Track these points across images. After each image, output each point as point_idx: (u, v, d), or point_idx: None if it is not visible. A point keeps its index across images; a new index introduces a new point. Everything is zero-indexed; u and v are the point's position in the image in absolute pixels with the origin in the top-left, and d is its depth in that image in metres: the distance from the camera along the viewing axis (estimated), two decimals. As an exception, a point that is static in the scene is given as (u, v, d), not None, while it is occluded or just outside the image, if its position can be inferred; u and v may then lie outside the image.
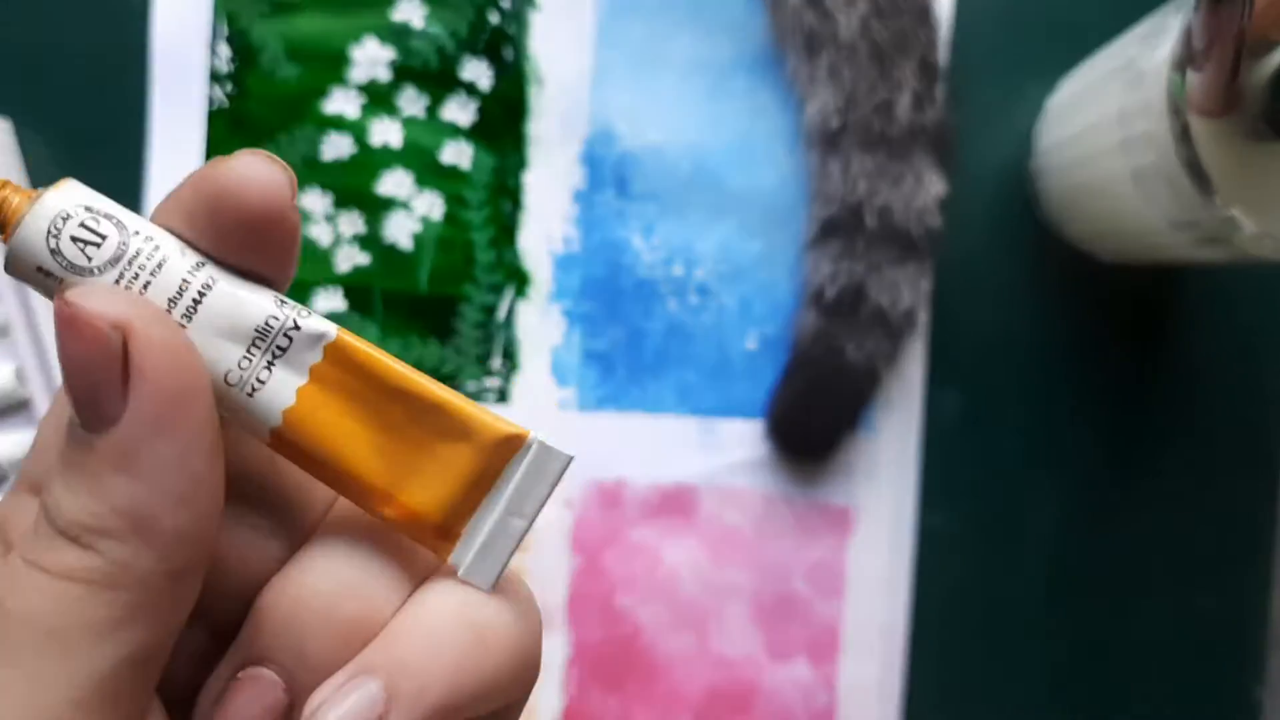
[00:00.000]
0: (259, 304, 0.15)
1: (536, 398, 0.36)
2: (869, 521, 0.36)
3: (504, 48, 0.35)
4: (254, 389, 0.15)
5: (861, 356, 0.34)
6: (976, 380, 0.36)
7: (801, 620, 0.36)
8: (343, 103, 0.35)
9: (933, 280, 0.34)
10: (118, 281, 0.15)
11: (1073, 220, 0.34)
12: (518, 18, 0.35)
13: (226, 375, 0.15)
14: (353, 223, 0.35)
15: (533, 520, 0.17)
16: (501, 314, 0.35)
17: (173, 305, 0.15)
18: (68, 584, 0.14)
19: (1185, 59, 0.25)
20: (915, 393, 0.35)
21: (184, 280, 0.15)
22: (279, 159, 0.16)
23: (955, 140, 0.34)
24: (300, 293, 0.35)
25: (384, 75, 0.35)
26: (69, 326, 0.14)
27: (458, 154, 0.35)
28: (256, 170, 0.15)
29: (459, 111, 0.35)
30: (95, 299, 0.14)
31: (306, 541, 0.16)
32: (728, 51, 0.35)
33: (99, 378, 0.14)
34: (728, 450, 0.36)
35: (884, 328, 0.34)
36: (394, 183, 0.35)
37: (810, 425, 0.35)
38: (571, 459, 0.16)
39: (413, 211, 0.35)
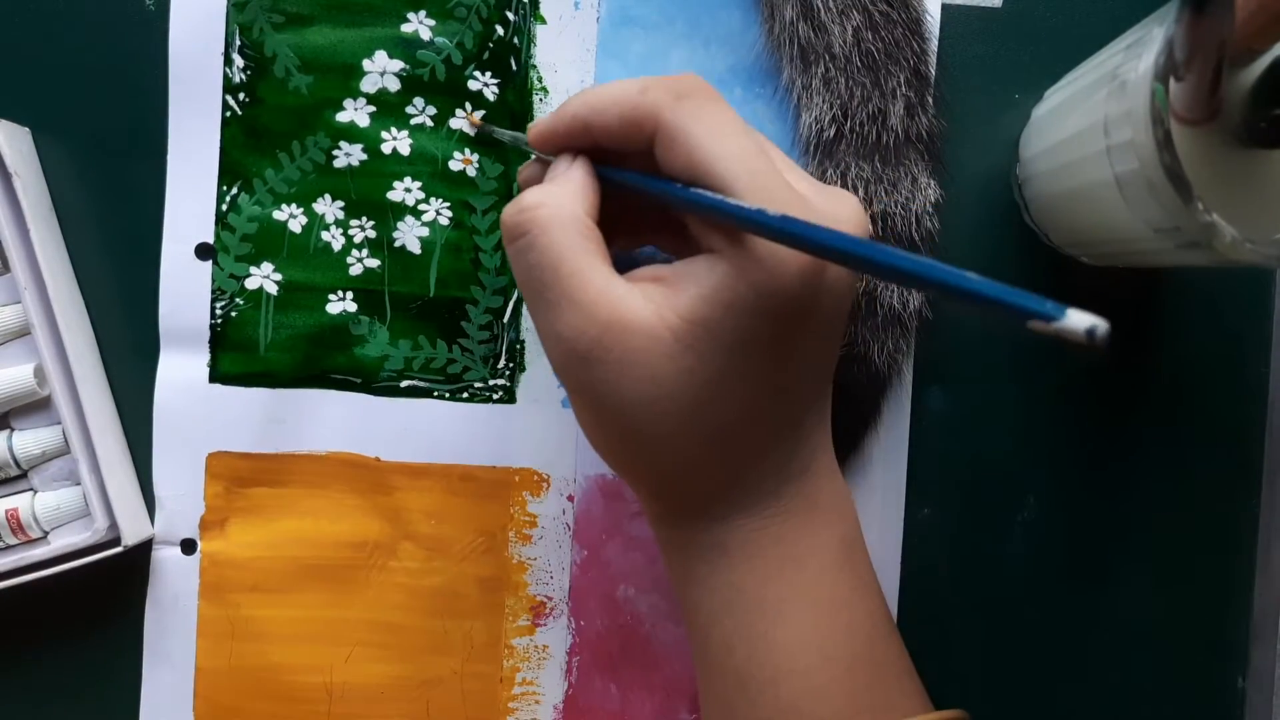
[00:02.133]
0: None
1: (540, 396, 0.36)
2: (859, 514, 0.36)
3: (509, 59, 0.35)
4: None
5: (884, 359, 0.34)
6: (962, 378, 0.36)
7: (795, 611, 0.36)
8: (354, 112, 0.35)
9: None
10: None
11: (1057, 225, 0.34)
12: (523, 31, 0.35)
13: None
14: (363, 228, 0.36)
15: None
16: (507, 316, 0.36)
17: None
18: None
19: (1167, 69, 0.25)
20: (904, 390, 0.36)
21: None
22: None
23: (943, 148, 0.35)
24: (313, 295, 0.36)
25: (394, 86, 0.35)
26: None
27: (465, 162, 0.36)
28: None
29: (466, 121, 0.36)
30: None
31: None
32: (725, 63, 0.35)
33: None
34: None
35: (900, 328, 0.34)
36: (403, 189, 0.36)
37: (838, 430, 0.35)
38: None
39: (421, 217, 0.36)
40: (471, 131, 0.35)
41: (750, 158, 0.25)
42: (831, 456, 0.29)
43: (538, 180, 0.29)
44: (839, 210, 0.27)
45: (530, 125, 0.29)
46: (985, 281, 0.19)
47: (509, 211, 0.27)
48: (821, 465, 0.29)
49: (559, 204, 0.27)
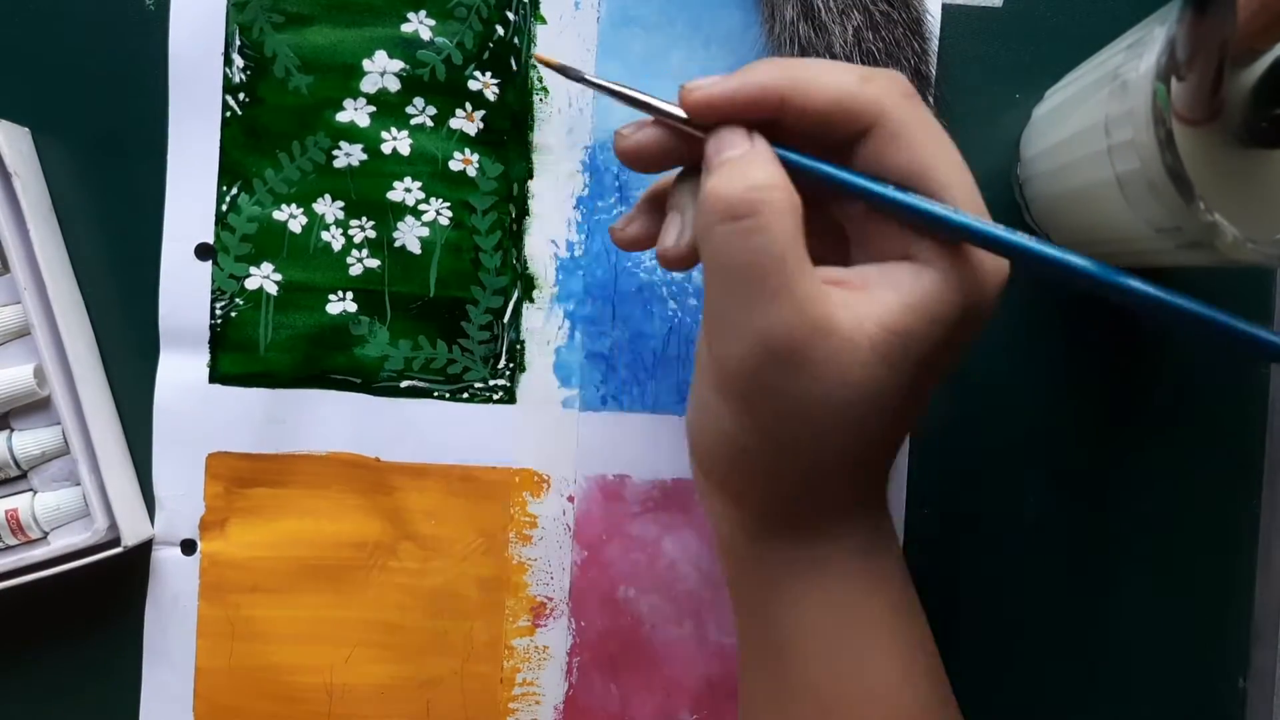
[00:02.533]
0: None
1: (540, 397, 0.36)
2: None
3: (509, 59, 0.35)
4: None
5: None
6: (962, 378, 0.36)
7: (796, 611, 0.36)
8: (353, 112, 0.35)
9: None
10: None
11: (1057, 225, 0.34)
12: (523, 30, 0.35)
13: None
14: (364, 228, 0.36)
15: None
16: (507, 316, 0.36)
17: None
18: None
19: (1169, 69, 0.25)
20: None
21: None
22: None
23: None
24: (313, 295, 0.36)
25: (394, 86, 0.35)
26: None
27: (465, 162, 0.36)
28: None
29: (466, 121, 0.36)
30: None
31: None
32: (725, 62, 0.35)
33: None
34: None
35: None
36: (403, 190, 0.36)
37: None
38: None
39: (421, 217, 0.36)
40: (555, 73, 0.31)
41: (963, 167, 0.25)
42: (884, 494, 0.29)
43: (658, 146, 0.27)
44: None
45: (687, 84, 0.26)
46: (1220, 315, 0.20)
47: (733, 185, 0.24)
48: (876, 502, 0.28)
49: (788, 189, 0.24)
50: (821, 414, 0.25)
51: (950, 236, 0.25)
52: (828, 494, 0.27)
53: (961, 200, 0.24)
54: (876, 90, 0.25)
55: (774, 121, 0.26)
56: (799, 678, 0.27)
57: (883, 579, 0.27)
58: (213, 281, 0.36)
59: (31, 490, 0.35)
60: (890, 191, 0.25)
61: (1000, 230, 0.24)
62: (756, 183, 0.24)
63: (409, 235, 0.36)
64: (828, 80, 0.25)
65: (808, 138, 0.26)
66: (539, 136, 0.36)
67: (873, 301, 0.24)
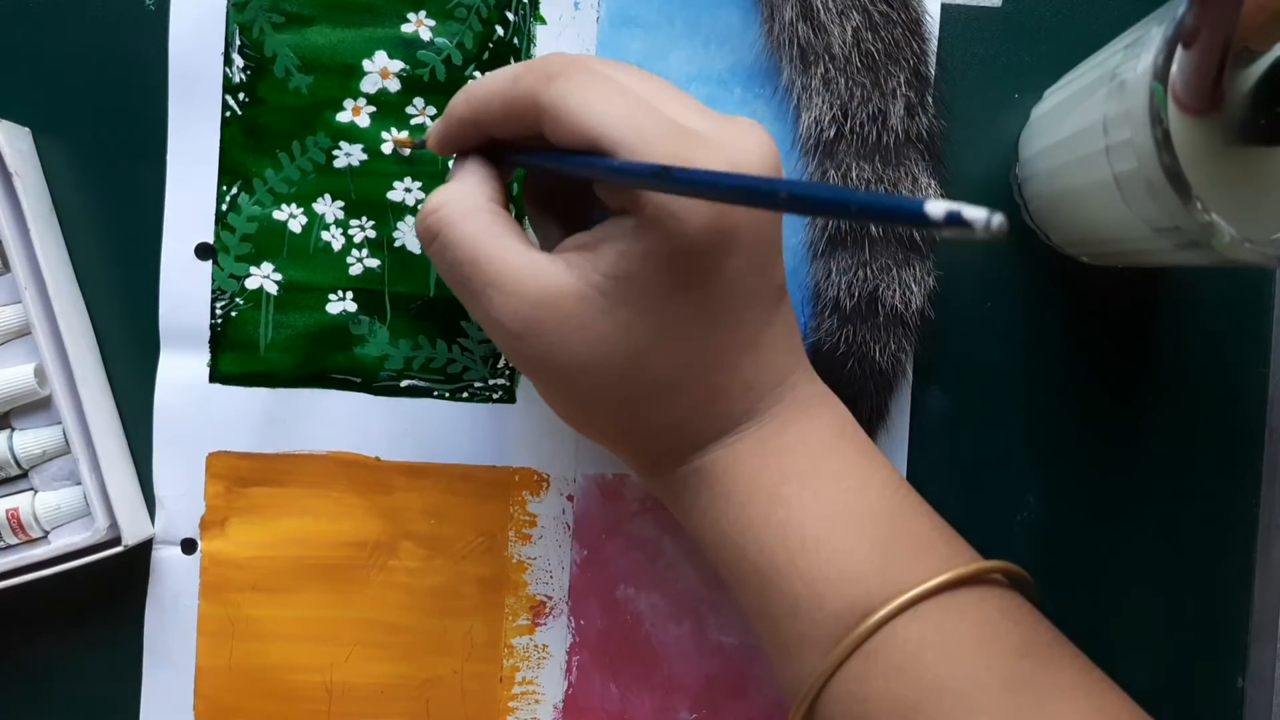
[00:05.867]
0: None
1: (539, 397, 0.36)
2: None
3: (509, 60, 0.35)
4: None
5: (887, 358, 0.34)
6: (962, 378, 0.36)
7: (795, 610, 0.36)
8: (353, 112, 0.35)
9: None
10: None
11: (1057, 225, 0.34)
12: (523, 31, 0.35)
13: None
14: (363, 228, 0.36)
15: None
16: (506, 316, 0.36)
17: None
18: None
19: (1166, 69, 0.25)
20: (904, 390, 0.36)
21: None
22: None
23: (943, 148, 0.35)
24: (313, 295, 0.36)
25: (394, 86, 0.35)
26: None
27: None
28: None
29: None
30: None
31: None
32: (724, 63, 0.35)
33: None
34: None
35: (902, 327, 0.34)
36: (403, 189, 0.36)
37: None
38: None
39: (421, 217, 0.36)
40: (405, 152, 0.35)
41: (632, 115, 0.25)
42: (807, 366, 0.30)
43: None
44: (742, 141, 0.26)
45: (427, 133, 0.30)
46: (876, 196, 0.20)
47: (418, 219, 0.29)
48: (798, 376, 0.29)
49: (459, 198, 0.28)
50: (587, 365, 0.27)
51: (621, 184, 0.26)
52: (671, 424, 0.28)
53: (632, 148, 0.25)
54: (526, 84, 0.27)
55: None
56: (737, 568, 0.29)
57: (781, 450, 0.29)
58: (213, 281, 0.36)
59: (32, 489, 0.35)
60: (558, 160, 0.27)
61: (629, 165, 0.25)
62: (427, 209, 0.28)
63: (409, 235, 0.36)
64: (490, 91, 0.28)
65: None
66: (538, 136, 0.36)
67: (599, 256, 0.26)
